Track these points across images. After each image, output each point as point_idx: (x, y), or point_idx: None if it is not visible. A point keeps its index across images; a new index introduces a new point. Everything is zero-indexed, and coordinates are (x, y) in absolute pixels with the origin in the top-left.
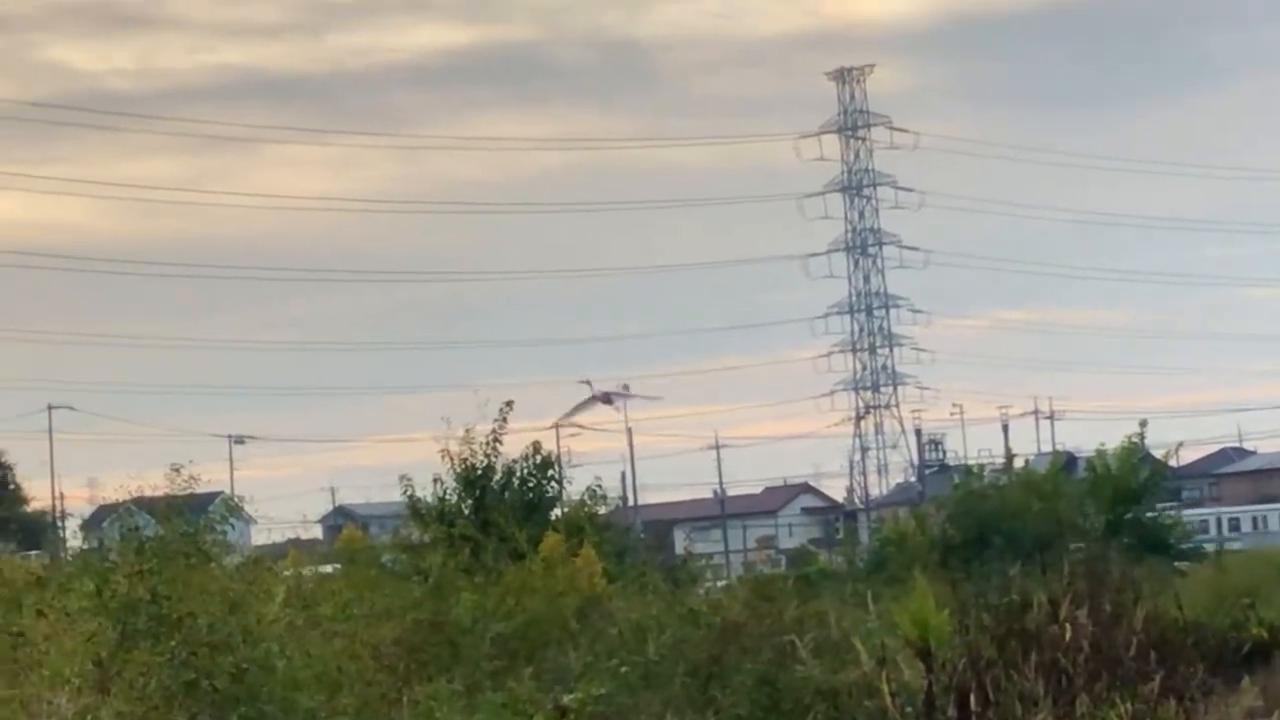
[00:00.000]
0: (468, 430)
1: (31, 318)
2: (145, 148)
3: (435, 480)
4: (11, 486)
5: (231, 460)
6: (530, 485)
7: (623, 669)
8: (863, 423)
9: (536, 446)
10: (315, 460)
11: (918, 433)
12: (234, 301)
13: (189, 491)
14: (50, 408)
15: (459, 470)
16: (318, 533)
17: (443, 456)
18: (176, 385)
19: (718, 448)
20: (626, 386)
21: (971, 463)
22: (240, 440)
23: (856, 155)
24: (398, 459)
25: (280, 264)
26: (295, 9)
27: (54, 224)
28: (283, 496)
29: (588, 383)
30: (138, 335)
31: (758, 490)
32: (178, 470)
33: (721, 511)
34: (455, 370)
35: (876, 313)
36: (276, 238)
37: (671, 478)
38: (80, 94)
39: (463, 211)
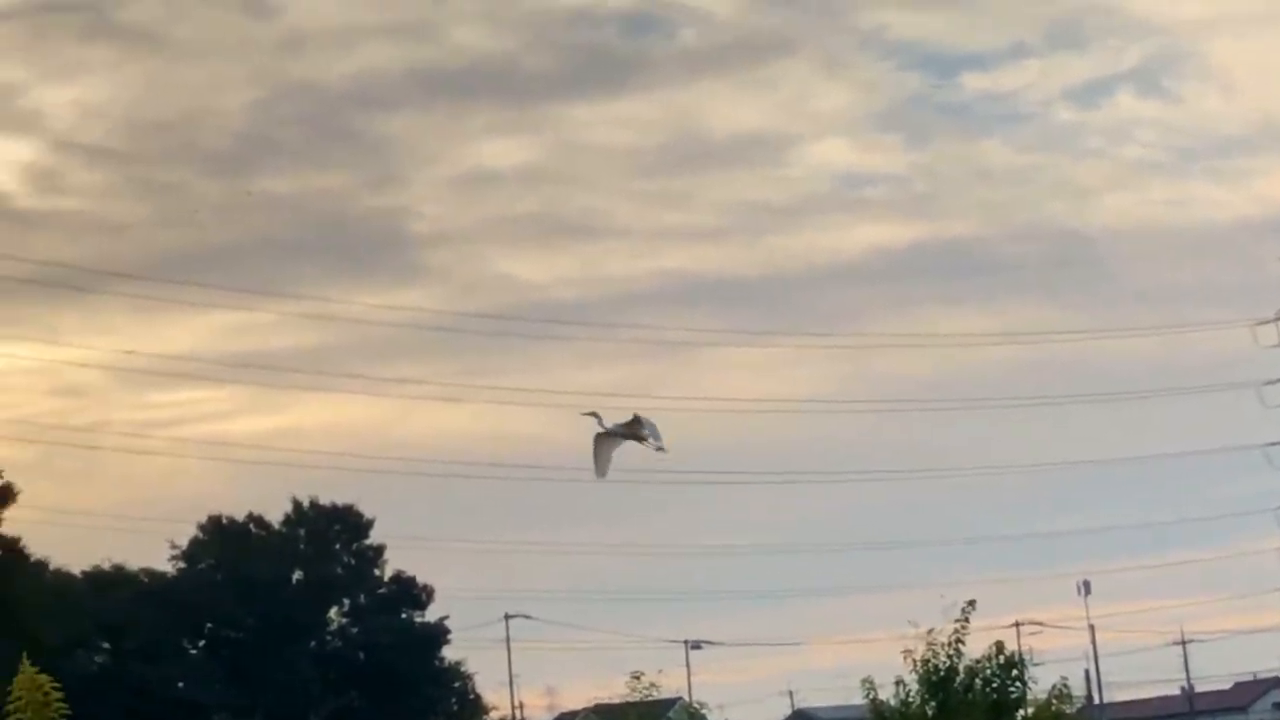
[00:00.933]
0: (930, 631)
1: (486, 528)
2: (592, 355)
3: (897, 682)
4: (472, 696)
5: (689, 665)
6: (994, 686)
7: None
8: None
9: (1000, 646)
10: (772, 663)
11: None
12: (684, 506)
13: (649, 698)
14: (507, 616)
15: (921, 671)
16: None
17: (904, 657)
18: (631, 591)
19: (1184, 643)
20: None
21: None
22: (697, 645)
23: None
24: (855, 660)
25: (729, 467)
26: (734, 213)
27: (505, 434)
28: (741, 701)
29: (595, 415)
30: (591, 542)
31: (1227, 685)
32: (637, 677)
33: (1190, 709)
34: (908, 569)
35: None
36: (724, 441)
37: (1137, 675)
38: (525, 305)
39: (908, 409)
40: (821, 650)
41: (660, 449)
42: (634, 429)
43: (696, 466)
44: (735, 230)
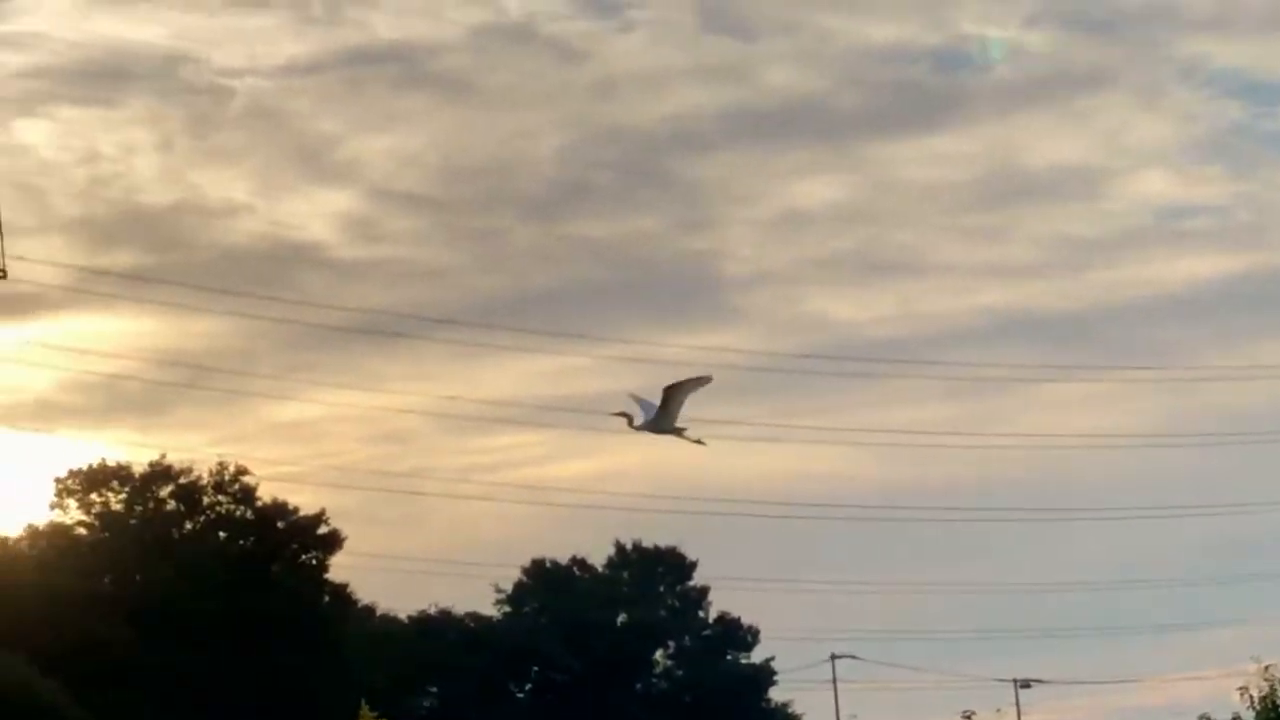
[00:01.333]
0: (1267, 667)
1: (810, 568)
2: (909, 393)
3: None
4: None
5: (1018, 704)
6: None
7: None
8: None
9: None
10: (1103, 701)
11: None
12: (1011, 543)
13: None
14: (833, 657)
15: (1259, 708)
16: None
17: (1240, 694)
18: (957, 630)
19: None
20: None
21: None
22: (1026, 684)
23: None
24: (1185, 698)
25: (1054, 503)
26: (1053, 247)
27: (821, 473)
28: None
29: (625, 415)
30: (915, 581)
31: None
32: (967, 717)
33: None
34: (1239, 605)
35: None
36: (1049, 477)
37: None
38: (842, 344)
39: (1239, 442)
40: (1154, 687)
41: (699, 441)
42: (670, 425)
43: (1022, 503)
44: (1055, 265)
